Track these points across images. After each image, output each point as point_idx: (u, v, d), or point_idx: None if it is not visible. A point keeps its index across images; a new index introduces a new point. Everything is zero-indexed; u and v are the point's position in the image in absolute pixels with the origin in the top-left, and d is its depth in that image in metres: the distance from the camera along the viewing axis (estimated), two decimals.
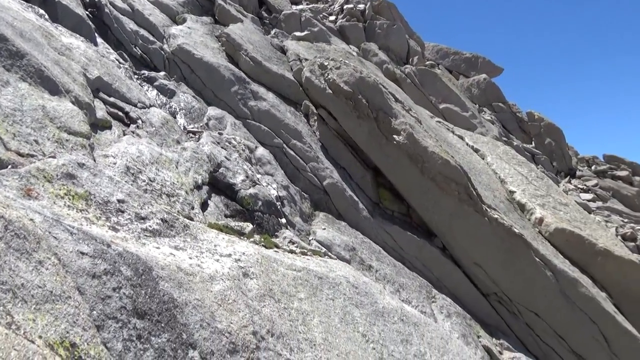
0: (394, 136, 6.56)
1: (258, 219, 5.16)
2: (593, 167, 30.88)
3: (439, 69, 16.42)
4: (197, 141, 5.42)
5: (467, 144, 9.75)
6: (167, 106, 6.03)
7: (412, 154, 6.50)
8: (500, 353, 5.74)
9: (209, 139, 5.63)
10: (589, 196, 25.87)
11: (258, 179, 5.78)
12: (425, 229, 6.74)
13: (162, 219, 2.87)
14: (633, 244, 24.40)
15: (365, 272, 5.34)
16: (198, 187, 4.39)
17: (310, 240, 5.61)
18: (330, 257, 4.97)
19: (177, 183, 3.97)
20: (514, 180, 8.68)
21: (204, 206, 4.44)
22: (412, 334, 3.71)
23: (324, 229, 5.93)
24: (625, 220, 25.77)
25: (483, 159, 9.47)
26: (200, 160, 4.76)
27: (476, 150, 9.63)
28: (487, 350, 5.49)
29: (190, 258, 2.60)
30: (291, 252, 4.21)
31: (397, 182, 6.74)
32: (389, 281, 5.54)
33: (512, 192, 8.32)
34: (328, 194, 6.50)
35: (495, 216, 6.53)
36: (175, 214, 3.13)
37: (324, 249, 5.42)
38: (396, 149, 6.52)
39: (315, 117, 7.21)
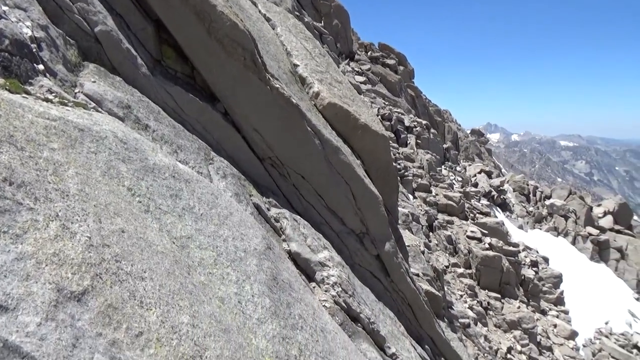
0: None
1: (5, 61, 4.27)
2: (369, 53, 34.33)
3: None
4: None
5: (259, 11, 9.57)
6: None
7: (200, 11, 6.08)
8: (268, 209, 6.37)
9: None
10: (362, 79, 29.10)
11: (4, 11, 4.69)
12: (209, 92, 6.63)
13: None
14: (389, 122, 28.91)
15: (141, 131, 5.08)
16: None
17: (76, 93, 4.97)
18: (99, 112, 4.54)
19: None
20: (299, 54, 9.02)
21: None
22: (182, 189, 3.78)
23: (94, 81, 5.30)
24: (386, 103, 30.11)
25: (273, 29, 9.49)
26: None
27: (268, 19, 9.55)
28: (257, 206, 6.03)
29: None
30: (47, 100, 3.67)
31: (181, 40, 6.31)
32: (166, 142, 5.41)
33: (295, 66, 8.68)
34: (100, 42, 5.71)
35: (277, 86, 6.79)
36: None
37: (92, 104, 4.89)
38: (181, 3, 5.99)
39: None
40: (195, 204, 3.78)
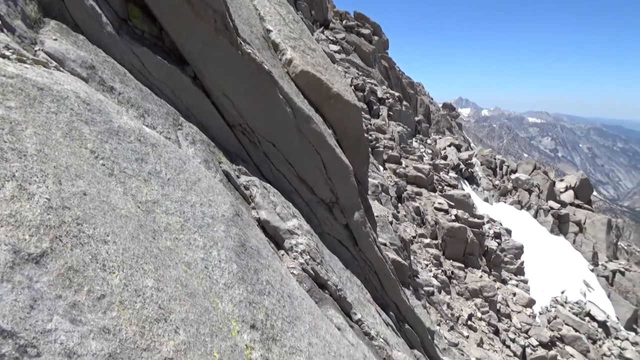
0: None
1: None
2: (344, 22, 33.81)
3: None
4: None
5: None
6: None
7: None
8: (238, 177, 6.32)
9: None
10: (336, 48, 28.76)
11: None
12: (178, 55, 6.42)
13: None
14: (362, 93, 28.80)
15: (106, 93, 4.91)
16: None
17: (36, 51, 4.74)
18: (61, 71, 4.34)
19: None
20: (272, 20, 8.80)
21: None
22: (149, 153, 3.70)
23: (56, 39, 5.04)
24: (360, 73, 29.94)
25: None
26: None
27: None
28: (226, 174, 5.97)
29: None
30: (3, 57, 3.48)
31: None
32: (133, 105, 5.24)
33: (268, 31, 8.48)
34: None
35: (249, 51, 6.63)
36: None
37: (54, 63, 4.68)
38: None
39: None
40: (162, 169, 3.71)
